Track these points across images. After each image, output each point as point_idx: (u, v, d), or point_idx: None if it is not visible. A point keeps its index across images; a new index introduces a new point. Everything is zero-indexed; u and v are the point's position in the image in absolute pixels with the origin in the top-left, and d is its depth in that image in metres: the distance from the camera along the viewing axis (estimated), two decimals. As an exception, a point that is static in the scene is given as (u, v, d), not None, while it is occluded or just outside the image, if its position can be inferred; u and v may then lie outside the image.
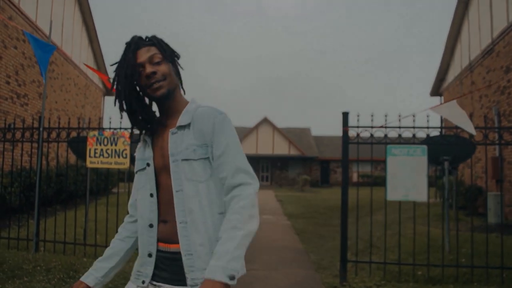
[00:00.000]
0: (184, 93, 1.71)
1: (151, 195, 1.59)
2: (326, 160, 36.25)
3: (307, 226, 10.24)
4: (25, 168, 8.61)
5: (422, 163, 5.06)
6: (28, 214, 7.20)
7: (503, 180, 10.17)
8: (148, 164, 1.62)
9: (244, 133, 35.83)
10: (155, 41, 1.61)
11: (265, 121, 35.67)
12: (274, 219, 11.95)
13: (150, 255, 1.56)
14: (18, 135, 6.68)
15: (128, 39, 1.61)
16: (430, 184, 5.11)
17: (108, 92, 19.37)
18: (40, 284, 4.54)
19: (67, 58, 14.05)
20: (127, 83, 1.57)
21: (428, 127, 5.25)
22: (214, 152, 1.53)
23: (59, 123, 6.40)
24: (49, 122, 6.40)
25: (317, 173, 36.42)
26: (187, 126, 1.57)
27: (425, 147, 5.07)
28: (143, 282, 1.57)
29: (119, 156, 5.74)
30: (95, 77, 17.60)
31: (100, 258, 1.71)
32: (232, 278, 1.32)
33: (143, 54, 1.57)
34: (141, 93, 1.63)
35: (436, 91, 18.09)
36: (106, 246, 2.11)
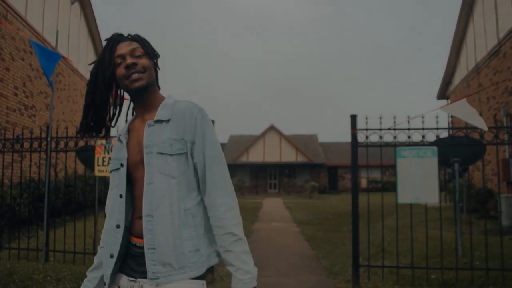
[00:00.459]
0: (159, 90, 1.70)
1: (120, 196, 1.58)
2: (334, 166, 36.12)
3: (317, 233, 10.16)
4: (34, 179, 8.62)
5: (433, 165, 5.00)
6: (38, 225, 7.18)
7: (514, 182, 10.05)
8: (121, 165, 1.60)
9: (251, 141, 35.85)
10: (137, 38, 1.63)
11: (272, 128, 35.67)
12: (284, 226, 11.89)
13: (111, 256, 1.55)
14: (26, 145, 6.70)
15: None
16: (440, 188, 5.04)
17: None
18: (50, 294, 4.52)
19: (73, 69, 14.15)
20: (105, 73, 1.57)
21: (437, 128, 5.19)
22: (196, 154, 1.54)
23: (66, 132, 6.41)
24: (57, 133, 6.41)
25: (325, 180, 36.28)
26: (166, 121, 1.55)
27: (435, 148, 5.02)
28: (104, 283, 1.58)
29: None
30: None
31: (90, 268, 1.70)
32: None
33: (125, 47, 1.58)
34: (113, 87, 1.64)
35: (442, 94, 18.01)
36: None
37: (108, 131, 1.71)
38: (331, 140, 39.94)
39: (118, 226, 1.56)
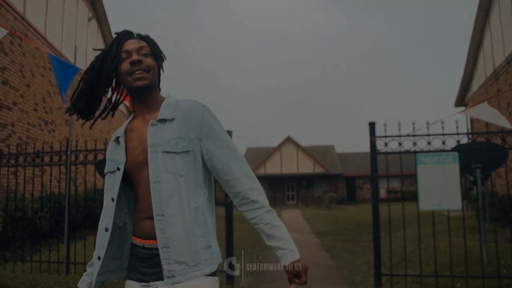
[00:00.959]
0: (160, 91, 1.71)
1: (112, 199, 1.57)
2: (352, 177, 35.81)
3: (336, 243, 10.04)
4: (54, 194, 8.73)
5: (454, 171, 4.91)
6: (58, 238, 7.26)
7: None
8: (118, 169, 1.59)
9: (268, 153, 35.77)
10: (146, 38, 1.64)
11: (288, 140, 35.60)
12: (303, 237, 11.78)
13: (99, 258, 1.57)
14: (46, 159, 6.80)
15: None
16: (461, 196, 4.94)
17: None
18: (71, 306, 4.53)
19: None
20: (109, 65, 1.58)
21: (457, 134, 5.11)
22: (208, 149, 1.55)
23: (85, 146, 6.49)
24: (76, 146, 6.49)
25: (343, 191, 35.95)
26: (170, 120, 1.54)
27: (456, 154, 4.93)
28: (90, 284, 1.62)
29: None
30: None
31: (89, 263, 1.74)
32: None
33: (132, 44, 1.59)
34: (113, 82, 1.66)
35: (460, 101, 17.79)
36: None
37: (94, 120, 1.74)
38: (348, 151, 39.71)
39: (106, 230, 1.57)
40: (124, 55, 1.57)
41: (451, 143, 5.20)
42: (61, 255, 6.29)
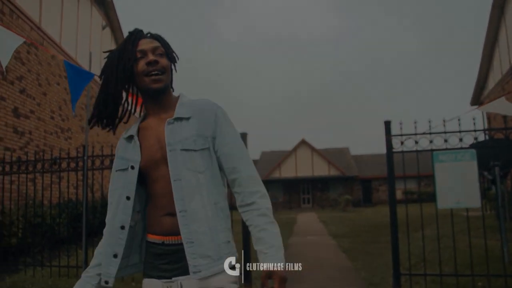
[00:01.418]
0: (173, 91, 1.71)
1: (128, 198, 1.56)
2: (367, 179, 35.58)
3: (354, 245, 9.96)
4: (71, 200, 8.81)
5: (472, 168, 4.84)
6: (76, 244, 7.32)
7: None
8: (132, 167, 1.57)
9: (282, 157, 35.74)
10: (158, 38, 1.64)
11: (303, 143, 35.55)
12: (319, 239, 11.73)
13: (115, 256, 1.55)
14: (63, 165, 6.88)
15: None
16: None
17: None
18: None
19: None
20: (126, 65, 1.56)
21: (475, 130, 5.02)
22: (219, 148, 1.56)
23: (102, 151, 6.54)
24: (92, 152, 6.56)
25: (359, 193, 35.73)
26: (186, 118, 1.55)
27: (473, 151, 4.86)
28: (107, 282, 1.56)
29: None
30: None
31: (91, 265, 1.68)
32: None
33: (147, 43, 1.58)
34: (130, 83, 1.62)
35: (476, 99, 17.58)
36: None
37: (115, 126, 1.70)
38: (363, 153, 39.45)
39: (122, 227, 1.56)
40: (139, 55, 1.56)
41: (469, 140, 5.12)
42: (79, 260, 6.33)
